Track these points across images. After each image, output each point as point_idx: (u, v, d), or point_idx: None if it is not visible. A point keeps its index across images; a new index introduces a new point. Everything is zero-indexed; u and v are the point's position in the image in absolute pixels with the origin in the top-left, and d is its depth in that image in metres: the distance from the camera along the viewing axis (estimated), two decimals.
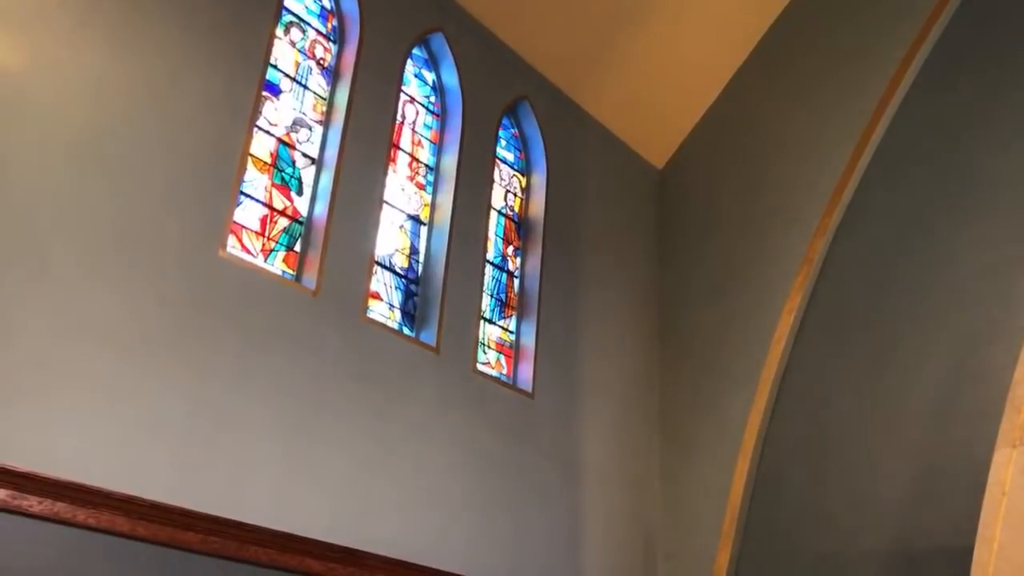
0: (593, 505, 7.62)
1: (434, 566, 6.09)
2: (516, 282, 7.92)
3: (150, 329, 5.04)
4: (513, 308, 7.82)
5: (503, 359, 7.57)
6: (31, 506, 4.31)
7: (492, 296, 7.65)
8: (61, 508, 4.41)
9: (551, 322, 7.79)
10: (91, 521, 4.50)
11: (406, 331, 6.77)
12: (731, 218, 8.77)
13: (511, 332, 7.73)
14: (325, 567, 5.46)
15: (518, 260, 8.01)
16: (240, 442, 5.29)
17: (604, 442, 7.95)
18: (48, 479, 4.37)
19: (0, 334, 4.43)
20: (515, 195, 8.21)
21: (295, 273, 6.10)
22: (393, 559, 5.84)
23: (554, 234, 8.11)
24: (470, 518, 6.54)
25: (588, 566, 7.39)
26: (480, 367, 7.17)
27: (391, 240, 6.92)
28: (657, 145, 9.40)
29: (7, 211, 4.61)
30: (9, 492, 4.25)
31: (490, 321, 7.55)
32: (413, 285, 7.00)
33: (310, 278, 6.05)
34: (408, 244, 7.06)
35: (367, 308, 6.40)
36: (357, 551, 5.64)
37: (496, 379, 7.29)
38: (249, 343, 5.50)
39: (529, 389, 7.44)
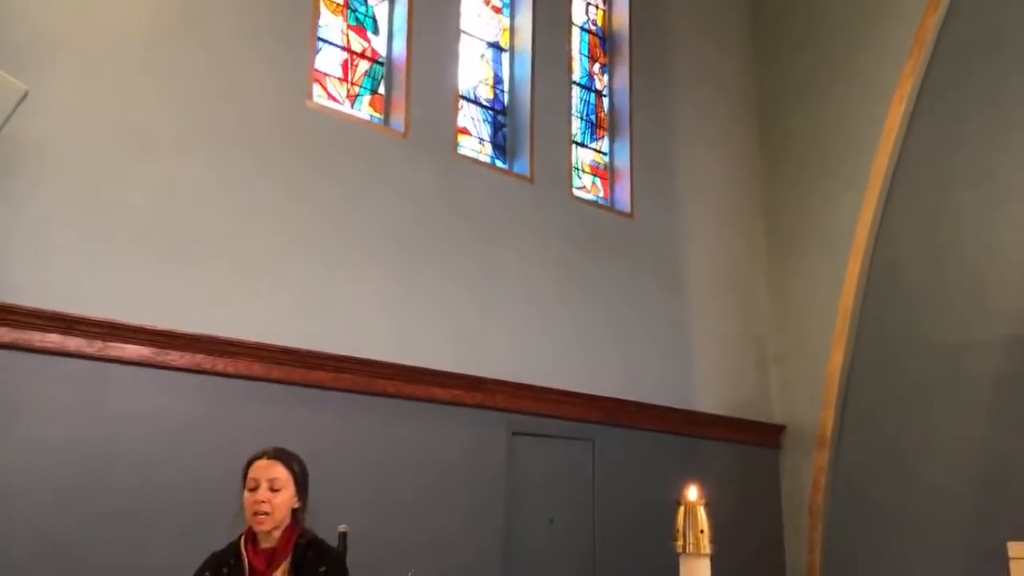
0: (700, 318, 7.69)
1: (549, 386, 6.34)
2: (605, 101, 7.70)
3: (253, 186, 5.18)
4: (604, 129, 7.64)
5: (599, 182, 7.49)
6: (173, 360, 4.67)
7: (582, 119, 7.49)
8: (201, 359, 4.75)
9: (645, 139, 7.60)
10: (229, 369, 4.85)
11: (499, 163, 6.75)
12: (831, 10, 8.19)
13: (604, 154, 7.60)
14: (450, 394, 5.76)
15: (605, 78, 7.74)
16: (354, 285, 5.51)
17: (707, 254, 7.91)
18: (187, 334, 4.70)
19: (113, 208, 4.65)
20: (597, 7, 7.83)
21: (383, 116, 6.10)
22: (512, 382, 6.10)
23: (641, 46, 7.75)
24: (579, 340, 6.71)
25: (699, 378, 7.55)
26: (576, 192, 7.13)
27: (474, 72, 6.78)
28: None
29: (105, 89, 4.72)
30: (152, 349, 4.60)
31: (582, 144, 7.42)
32: (501, 116, 6.90)
33: (398, 119, 6.04)
34: (491, 74, 6.91)
35: (457, 145, 6.39)
36: (478, 377, 5.92)
37: (593, 203, 7.26)
38: (347, 189, 5.60)
39: (627, 209, 7.38)
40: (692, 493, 1.90)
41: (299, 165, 5.40)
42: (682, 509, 1.89)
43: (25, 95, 4.02)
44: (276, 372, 5.01)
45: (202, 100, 5.06)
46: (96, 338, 4.42)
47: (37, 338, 4.25)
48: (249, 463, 2.68)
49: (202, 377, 4.75)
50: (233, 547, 2.66)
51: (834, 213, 7.87)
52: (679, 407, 7.23)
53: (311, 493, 2.74)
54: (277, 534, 2.61)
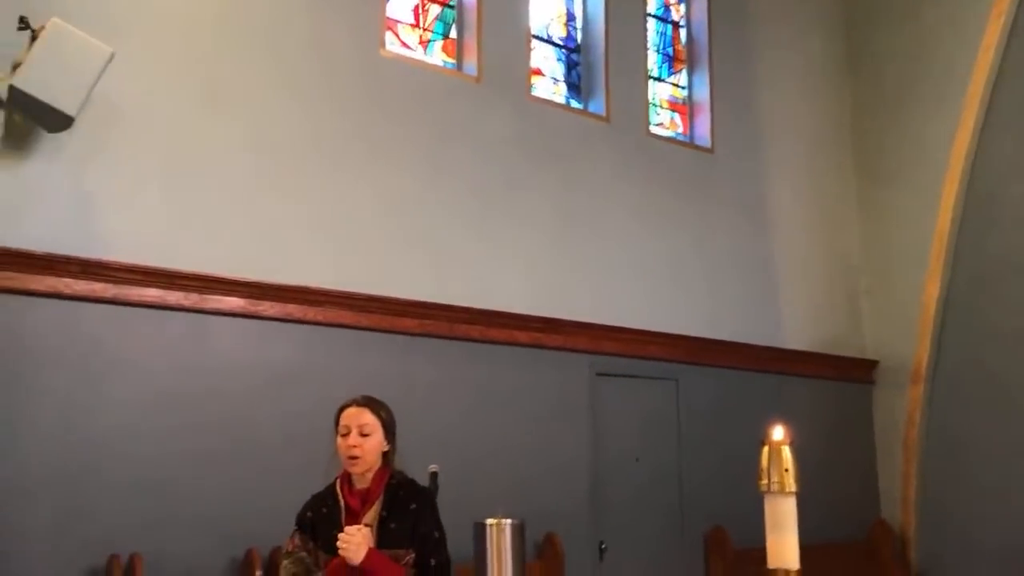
0: (786, 252, 7.51)
1: (631, 326, 6.33)
2: (683, 33, 7.47)
3: (331, 138, 5.26)
4: (682, 62, 7.44)
5: (677, 118, 7.32)
6: (265, 311, 4.84)
7: (659, 52, 7.29)
8: (292, 309, 4.91)
9: (724, 70, 7.37)
10: (319, 318, 5.00)
11: (574, 103, 6.66)
12: None
13: (683, 88, 7.41)
14: (531, 337, 5.82)
15: (682, 8, 7.50)
16: (434, 233, 5.57)
17: (794, 186, 7.69)
18: (278, 285, 4.86)
19: (199, 163, 4.79)
20: None
21: (455, 61, 6.07)
22: (594, 324, 6.11)
23: None
24: (660, 279, 6.65)
25: (787, 314, 7.41)
26: (654, 129, 7.00)
27: (545, 10, 6.66)
28: None
29: (186, 47, 4.83)
30: (246, 301, 4.78)
31: (659, 79, 7.25)
32: (574, 54, 6.78)
33: (470, 63, 6.01)
34: (563, 10, 6.78)
35: (531, 87, 6.32)
36: (560, 320, 5.95)
37: (672, 139, 7.11)
38: (423, 138, 5.63)
39: (708, 144, 7.21)
40: (776, 432, 1.88)
41: (375, 115, 5.45)
42: (766, 449, 1.88)
43: (111, 57, 4.15)
44: (364, 320, 5.14)
45: (279, 54, 5.13)
46: (193, 291, 4.61)
47: (136, 293, 4.46)
48: (340, 410, 2.83)
49: (293, 326, 4.91)
50: (330, 488, 2.83)
51: (928, 138, 7.53)
52: (765, 344, 7.13)
53: (399, 437, 2.89)
54: (369, 476, 2.77)
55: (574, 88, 6.72)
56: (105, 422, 4.30)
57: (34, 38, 3.97)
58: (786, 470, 1.86)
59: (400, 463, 2.87)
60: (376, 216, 5.35)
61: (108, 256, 4.38)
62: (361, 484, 2.78)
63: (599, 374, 6.17)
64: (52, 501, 4.11)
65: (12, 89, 3.79)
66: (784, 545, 1.84)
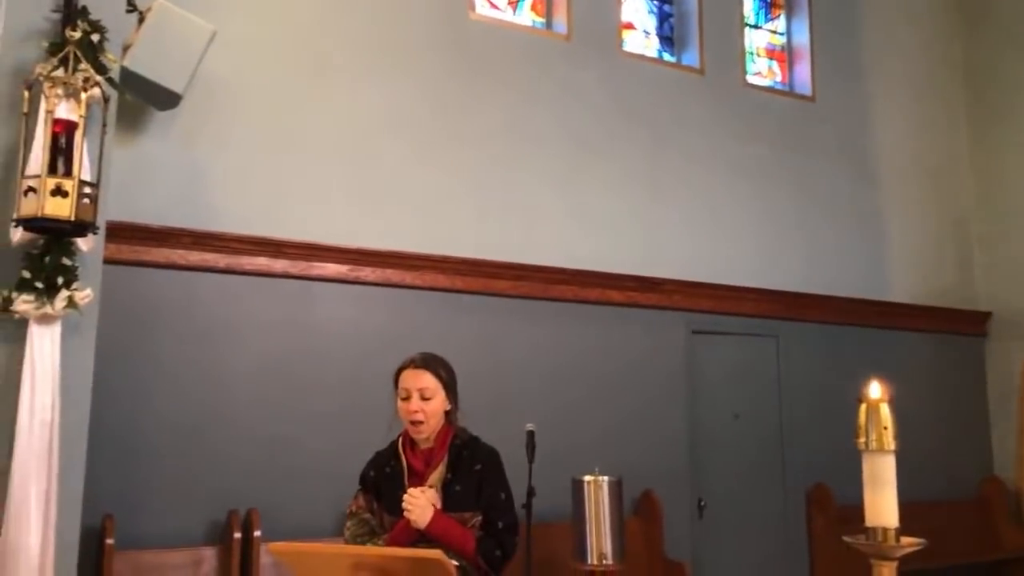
0: (893, 202, 7.23)
1: (732, 283, 6.24)
2: None
3: (424, 103, 5.33)
4: (780, 7, 7.18)
5: (775, 66, 7.09)
6: (366, 276, 4.99)
7: None
8: (390, 274, 5.06)
9: (825, 13, 7.08)
10: (416, 281, 5.13)
11: (666, 57, 6.53)
12: None
13: (781, 34, 7.16)
14: (625, 296, 5.81)
15: None
16: (527, 194, 5.60)
17: (900, 133, 7.36)
18: (377, 251, 5.01)
19: (300, 136, 4.95)
20: None
21: (545, 20, 6.04)
22: (689, 281, 6.06)
23: None
24: (758, 234, 6.51)
25: (892, 266, 7.15)
26: (750, 79, 6.80)
27: None
28: None
29: (283, 22, 4.97)
30: (348, 267, 4.95)
31: (755, 27, 7.02)
32: (666, 5, 6.64)
33: (560, 22, 5.97)
34: None
35: (622, 42, 6.23)
36: (654, 278, 5.92)
37: (769, 88, 6.91)
38: (515, 99, 5.65)
39: (808, 92, 6.97)
40: (874, 389, 1.85)
41: (467, 78, 5.49)
42: (864, 406, 1.85)
43: (213, 35, 4.31)
44: (459, 283, 5.25)
45: (371, 25, 5.23)
46: (298, 259, 4.80)
47: (247, 262, 4.67)
48: (398, 371, 2.74)
49: (392, 290, 5.06)
50: (392, 447, 2.76)
51: None
52: (870, 298, 6.91)
53: (462, 394, 2.80)
54: (432, 436, 2.70)
55: (666, 41, 6.59)
56: (221, 384, 4.55)
57: (141, 20, 4.15)
58: (884, 428, 1.82)
59: (463, 419, 2.78)
60: (469, 180, 5.42)
61: (218, 227, 4.59)
62: (424, 444, 2.70)
63: (695, 332, 6.12)
64: (175, 460, 4.39)
65: (123, 70, 3.98)
66: (883, 504, 1.81)
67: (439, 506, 2.56)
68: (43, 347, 3.19)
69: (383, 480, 2.69)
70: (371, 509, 2.69)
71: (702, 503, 5.99)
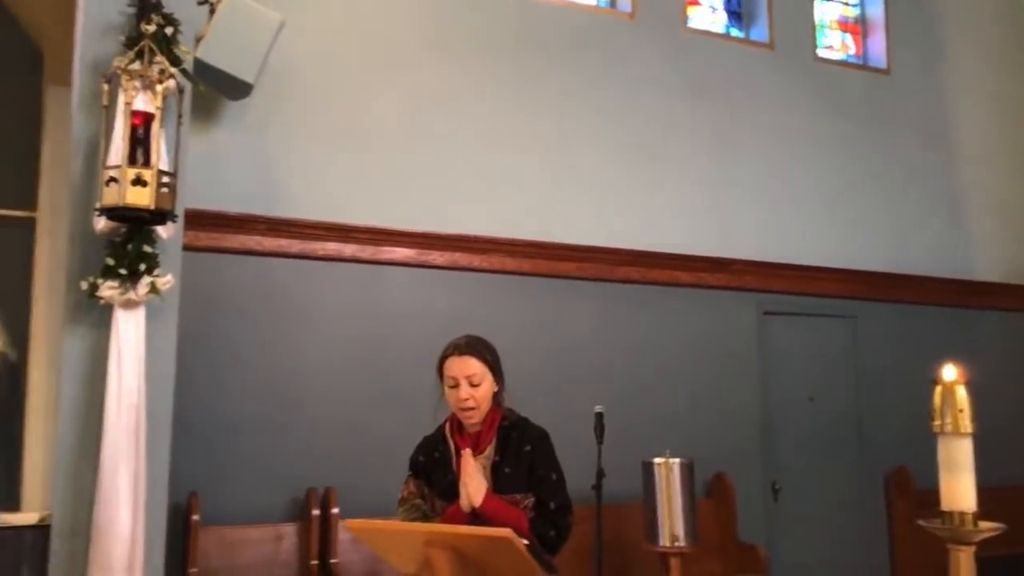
0: (975, 178, 6.96)
1: (806, 263, 6.11)
2: None
3: (489, 85, 5.35)
4: None
5: (848, 38, 6.88)
6: (434, 259, 5.05)
7: None
8: (458, 257, 5.10)
9: None
10: (484, 264, 5.17)
11: (734, 32, 6.40)
12: None
13: (854, 5, 6.94)
14: (694, 277, 5.74)
15: None
16: (593, 176, 5.57)
17: (981, 110, 7.07)
18: (445, 235, 5.06)
19: (368, 122, 5.02)
20: None
21: None
22: (760, 261, 5.95)
23: None
24: (832, 213, 6.35)
25: (977, 244, 6.89)
26: (822, 53, 6.62)
27: None
28: None
29: (348, 9, 5.04)
30: (416, 251, 5.01)
31: None
32: None
33: (624, 0, 5.91)
34: None
35: (687, 18, 6.13)
36: (724, 259, 5.83)
37: (842, 62, 6.71)
38: (579, 80, 5.61)
39: (883, 65, 6.75)
40: (948, 371, 1.80)
41: (532, 60, 5.48)
42: (938, 388, 1.81)
43: (281, 26, 4.40)
44: (526, 265, 5.26)
45: (438, 7, 5.26)
46: (368, 243, 4.88)
47: (319, 247, 4.77)
48: (442, 359, 2.69)
49: (459, 274, 5.11)
50: (440, 432, 2.75)
51: None
52: (952, 277, 6.68)
53: (506, 374, 2.75)
54: (480, 418, 2.67)
55: (734, 16, 6.45)
56: (296, 367, 4.68)
57: (212, 12, 4.26)
58: (960, 410, 1.78)
59: (509, 400, 2.75)
60: (535, 163, 5.42)
61: (291, 214, 4.70)
62: (472, 428, 2.68)
63: (767, 313, 6.02)
64: (255, 440, 4.53)
65: (196, 61, 4.09)
66: (960, 487, 1.77)
67: (489, 488, 2.56)
68: (128, 332, 3.32)
69: (432, 465, 2.71)
70: (422, 495, 2.70)
71: (776, 486, 5.91)
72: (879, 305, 6.39)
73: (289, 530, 4.48)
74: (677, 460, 4.66)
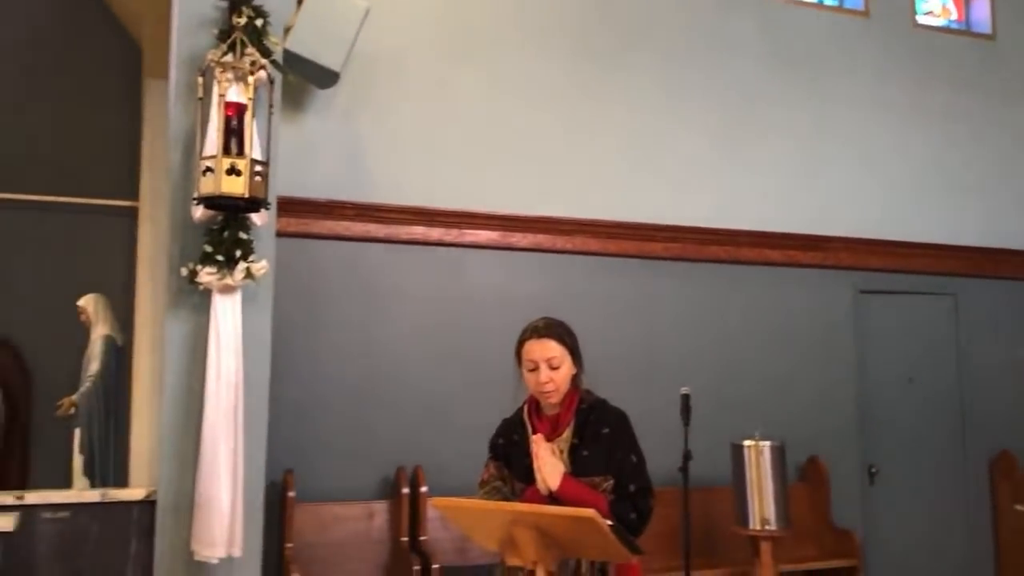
0: None
1: (904, 239, 5.88)
2: None
3: (570, 69, 5.31)
4: None
5: (949, 3, 6.55)
6: (517, 242, 5.06)
7: None
8: (541, 239, 5.10)
9: None
10: (568, 246, 5.15)
11: (827, 0, 6.18)
12: None
13: None
14: (785, 255, 5.60)
15: None
16: (680, 153, 5.47)
17: None
18: (528, 217, 5.06)
19: (450, 108, 5.05)
20: None
21: None
22: (855, 238, 5.76)
23: None
24: (931, 186, 6.08)
25: None
26: (921, 19, 6.33)
27: None
28: None
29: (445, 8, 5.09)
30: (499, 233, 5.03)
31: None
32: None
33: None
34: None
35: None
36: (816, 236, 5.67)
37: (943, 28, 6.40)
38: (665, 53, 5.51)
39: (987, 30, 6.42)
40: None
41: (615, 36, 5.42)
42: None
43: (367, 13, 4.46)
44: (611, 246, 5.22)
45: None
46: (452, 227, 4.93)
47: (404, 231, 4.85)
48: (521, 342, 2.66)
49: (543, 256, 5.11)
50: (519, 414, 2.73)
51: None
52: None
53: (584, 355, 2.70)
54: (558, 399, 2.64)
55: None
56: (384, 349, 4.77)
57: (300, 2, 4.35)
58: None
59: (587, 382, 2.70)
60: (620, 141, 5.36)
61: (378, 199, 4.78)
62: (550, 411, 2.65)
63: (863, 291, 5.82)
64: (347, 420, 4.65)
65: (285, 52, 4.19)
66: None
67: (566, 470, 2.54)
68: (225, 315, 3.45)
69: (511, 448, 2.69)
70: (502, 477, 2.69)
71: (873, 470, 5.73)
72: (981, 281, 6.11)
73: (380, 507, 4.59)
74: (768, 442, 4.58)
